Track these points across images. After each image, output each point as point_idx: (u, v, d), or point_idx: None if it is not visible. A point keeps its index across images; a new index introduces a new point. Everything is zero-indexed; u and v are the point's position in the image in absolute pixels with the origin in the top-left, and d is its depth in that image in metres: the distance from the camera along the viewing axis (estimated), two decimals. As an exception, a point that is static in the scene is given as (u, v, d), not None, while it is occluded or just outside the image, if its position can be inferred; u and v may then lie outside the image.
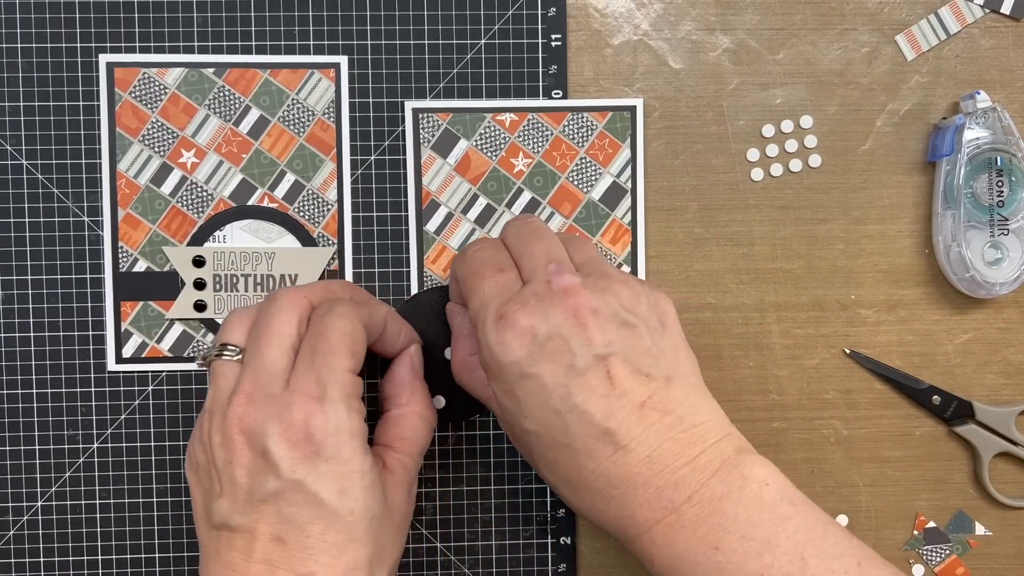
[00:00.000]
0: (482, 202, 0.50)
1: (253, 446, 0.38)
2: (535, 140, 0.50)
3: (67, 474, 0.49)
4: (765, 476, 0.37)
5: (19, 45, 0.49)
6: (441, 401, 0.50)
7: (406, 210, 0.50)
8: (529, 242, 0.41)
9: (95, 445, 0.49)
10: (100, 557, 0.49)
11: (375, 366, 0.50)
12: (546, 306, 0.37)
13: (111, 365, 0.49)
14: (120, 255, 0.49)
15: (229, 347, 0.41)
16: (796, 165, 0.51)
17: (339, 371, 0.39)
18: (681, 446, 0.37)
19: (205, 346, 0.42)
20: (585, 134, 0.50)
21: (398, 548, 0.42)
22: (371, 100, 0.50)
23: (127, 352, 0.49)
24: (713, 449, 0.37)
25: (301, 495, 0.38)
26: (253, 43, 0.49)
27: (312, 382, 0.39)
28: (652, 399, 0.37)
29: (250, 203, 0.50)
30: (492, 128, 0.50)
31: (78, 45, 0.49)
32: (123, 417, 0.49)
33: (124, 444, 0.49)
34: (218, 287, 0.49)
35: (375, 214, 0.50)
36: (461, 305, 0.45)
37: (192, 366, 0.49)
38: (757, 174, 0.51)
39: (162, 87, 0.49)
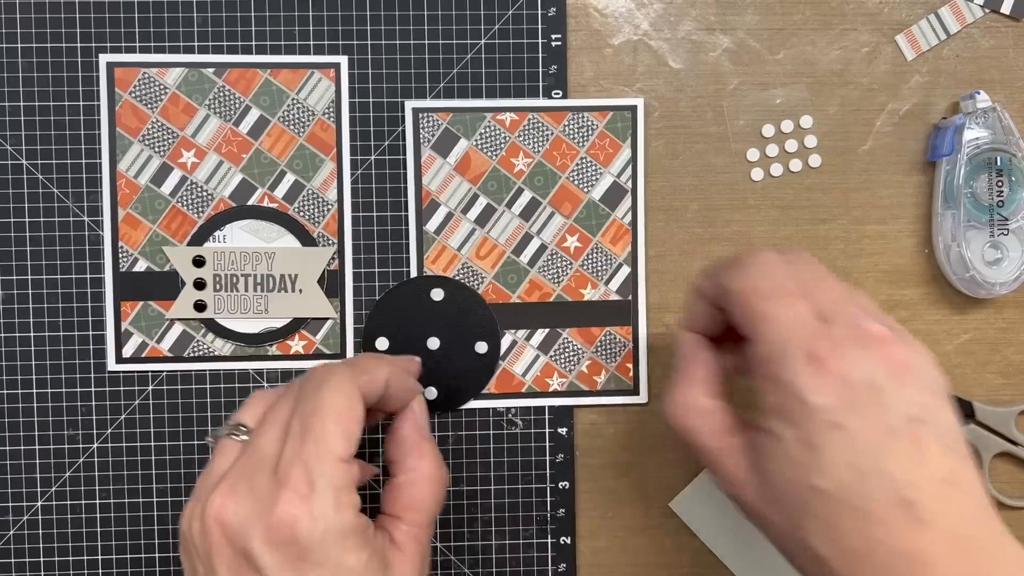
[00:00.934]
0: (482, 202, 0.50)
1: (234, 545, 0.35)
2: (535, 140, 0.50)
3: (67, 474, 0.49)
4: None
5: (19, 45, 0.49)
6: (433, 392, 0.50)
7: (406, 210, 0.50)
8: (822, 278, 0.37)
9: (95, 445, 0.49)
10: (100, 557, 0.49)
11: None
12: (864, 353, 0.34)
13: (111, 365, 0.49)
14: (120, 255, 0.49)
15: (240, 427, 0.39)
16: (796, 165, 0.51)
17: (330, 461, 0.36)
18: (985, 535, 0.33)
19: (217, 429, 0.41)
20: (585, 134, 0.50)
21: None
22: (371, 100, 0.50)
23: (127, 352, 0.49)
24: (1005, 538, 0.33)
25: None
26: (253, 43, 0.49)
27: (300, 476, 0.35)
28: (957, 476, 0.33)
29: (250, 203, 0.50)
30: (492, 128, 0.50)
31: (78, 45, 0.49)
32: (123, 417, 0.49)
33: (124, 444, 0.49)
34: (218, 287, 0.49)
35: (375, 214, 0.50)
36: (700, 335, 0.41)
37: (192, 366, 0.49)
38: (757, 174, 0.51)
39: (162, 87, 0.49)
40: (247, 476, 0.36)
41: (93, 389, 0.49)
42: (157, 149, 0.49)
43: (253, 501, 0.35)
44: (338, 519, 0.35)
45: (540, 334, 0.51)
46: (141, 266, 0.49)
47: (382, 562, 0.38)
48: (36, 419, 0.49)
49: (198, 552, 0.36)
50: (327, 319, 0.50)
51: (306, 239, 0.50)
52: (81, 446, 0.49)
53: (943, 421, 0.34)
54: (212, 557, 0.36)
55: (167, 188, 0.49)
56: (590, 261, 0.50)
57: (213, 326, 0.49)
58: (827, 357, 0.34)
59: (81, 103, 0.49)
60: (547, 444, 0.50)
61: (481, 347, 0.50)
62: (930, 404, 0.34)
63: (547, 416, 0.50)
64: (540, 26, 0.50)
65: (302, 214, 0.50)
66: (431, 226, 0.50)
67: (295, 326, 0.50)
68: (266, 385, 0.50)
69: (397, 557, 0.38)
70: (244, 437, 0.38)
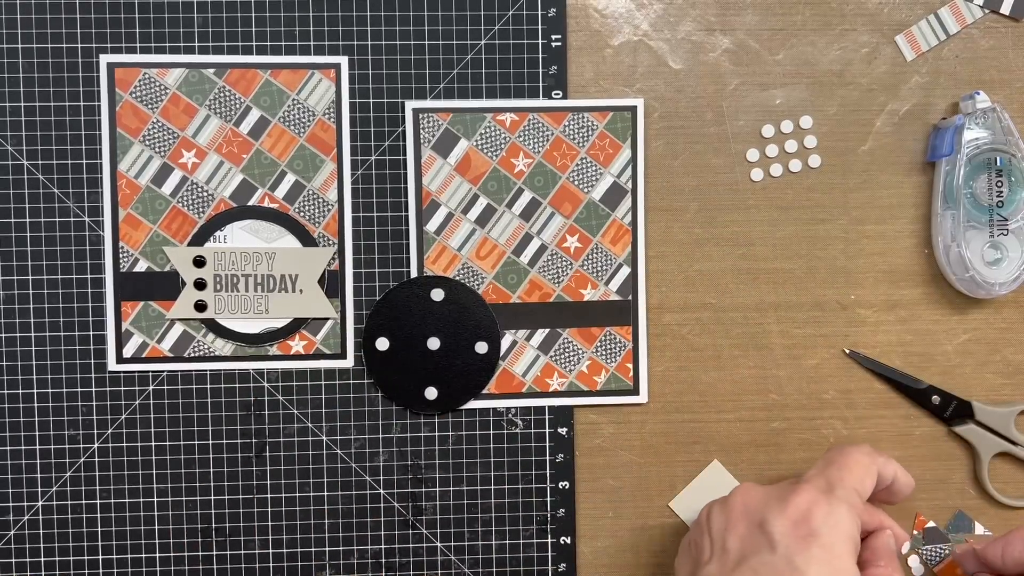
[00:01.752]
0: (482, 202, 0.50)
1: (751, 519, 0.41)
2: (535, 140, 0.50)
3: (67, 474, 0.49)
4: None
5: (20, 45, 0.49)
6: (433, 392, 0.50)
7: (406, 210, 0.50)
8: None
9: (95, 445, 0.49)
10: (100, 557, 0.49)
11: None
12: None
13: (111, 365, 0.49)
14: (121, 255, 0.49)
15: None
16: (796, 165, 0.51)
17: (848, 482, 0.42)
18: None
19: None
20: (585, 134, 0.50)
21: None
22: (371, 100, 0.50)
23: (127, 352, 0.49)
24: None
25: (790, 570, 0.39)
26: (253, 43, 0.49)
27: (821, 481, 0.42)
28: None
29: (250, 203, 0.50)
30: (492, 128, 0.50)
31: (79, 45, 0.49)
32: (123, 417, 0.49)
33: (124, 444, 0.49)
34: (218, 287, 0.49)
35: (375, 214, 0.50)
36: None
37: (193, 366, 0.49)
38: (757, 174, 0.51)
39: (163, 87, 0.49)
40: (769, 490, 0.43)
41: (93, 389, 0.49)
42: (158, 149, 0.49)
43: (776, 492, 0.42)
44: (849, 521, 0.41)
45: (540, 334, 0.51)
46: (142, 266, 0.49)
47: None
48: (36, 419, 0.49)
49: (711, 532, 0.43)
50: (327, 319, 0.50)
51: (306, 239, 0.50)
52: (81, 446, 0.49)
53: None
54: (727, 530, 0.42)
55: (168, 188, 0.49)
56: (590, 261, 0.51)
57: (213, 326, 0.49)
58: None
59: (82, 103, 0.49)
60: (547, 444, 0.50)
61: (481, 347, 0.50)
62: None
63: (547, 416, 0.50)
64: (540, 26, 0.50)
65: (302, 214, 0.50)
66: (431, 226, 0.50)
67: (295, 326, 0.50)
68: (267, 386, 0.50)
69: None
70: None
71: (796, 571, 0.39)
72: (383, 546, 0.50)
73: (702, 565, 0.42)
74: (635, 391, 0.51)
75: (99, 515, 0.49)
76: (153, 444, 0.49)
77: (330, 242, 0.50)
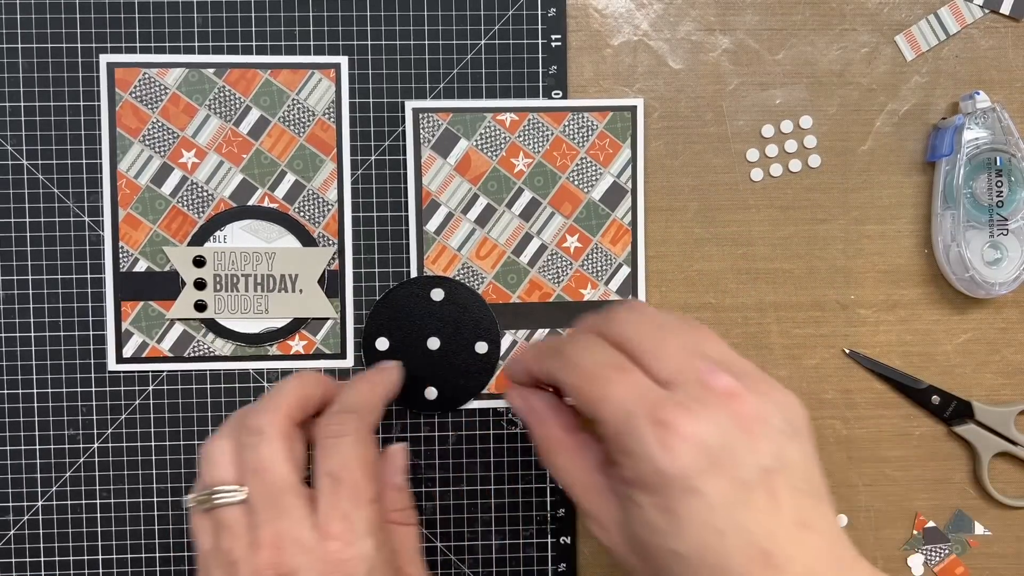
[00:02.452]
0: (482, 202, 0.50)
1: None
2: (535, 140, 0.50)
3: (67, 474, 0.49)
4: None
5: (19, 45, 0.49)
6: (433, 392, 0.50)
7: (406, 210, 0.50)
8: (655, 336, 0.37)
9: (95, 445, 0.49)
10: (100, 557, 0.49)
11: (375, 366, 0.50)
12: (712, 411, 0.34)
13: (111, 365, 0.49)
14: (120, 255, 0.49)
15: (225, 489, 0.39)
16: (796, 165, 0.51)
17: (364, 504, 0.39)
18: (834, 568, 0.34)
19: (195, 494, 0.40)
20: (585, 134, 0.50)
21: None
22: (371, 100, 0.50)
23: (127, 352, 0.49)
24: (856, 565, 0.34)
25: None
26: (253, 43, 0.49)
27: (341, 524, 0.38)
28: (809, 518, 0.34)
29: (250, 203, 0.50)
30: (492, 128, 0.50)
31: (78, 45, 0.49)
32: (123, 417, 0.49)
33: (124, 444, 0.49)
34: (218, 287, 0.49)
35: (375, 214, 0.50)
36: (524, 386, 0.42)
37: (192, 366, 0.49)
38: (757, 174, 0.51)
39: (162, 87, 0.49)
40: (288, 536, 0.38)
41: (93, 389, 0.49)
42: (157, 149, 0.49)
43: (304, 554, 0.37)
44: (379, 556, 0.38)
45: (540, 334, 0.51)
46: (141, 266, 0.49)
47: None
48: (36, 419, 0.49)
49: None
50: (327, 319, 0.50)
51: (306, 239, 0.50)
52: (81, 446, 0.49)
53: (795, 464, 0.34)
54: None
55: (167, 188, 0.49)
56: (590, 261, 0.51)
57: (213, 326, 0.49)
58: (674, 422, 0.33)
59: (81, 103, 0.49)
60: (547, 444, 0.50)
61: (481, 347, 0.50)
62: (782, 450, 0.34)
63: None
64: (540, 26, 0.50)
65: (302, 214, 0.50)
66: (431, 226, 0.50)
67: (295, 326, 0.50)
68: (267, 386, 0.50)
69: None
70: (241, 497, 0.39)
71: None
72: (383, 546, 0.50)
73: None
74: (635, 391, 0.51)
75: (99, 515, 0.49)
76: (153, 444, 0.49)
77: (330, 242, 0.50)
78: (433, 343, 0.50)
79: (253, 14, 0.49)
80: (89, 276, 0.49)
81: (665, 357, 0.36)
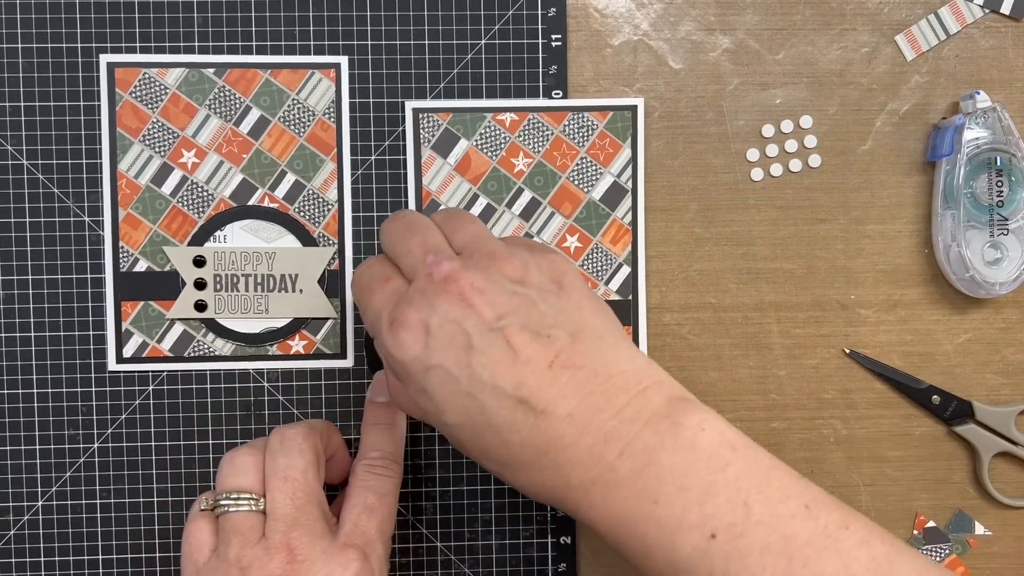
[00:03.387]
0: (482, 202, 0.50)
1: None
2: (535, 140, 0.50)
3: (67, 474, 0.49)
4: (699, 421, 0.35)
5: (19, 45, 0.49)
6: None
7: (406, 210, 0.50)
8: (403, 239, 0.40)
9: (95, 445, 0.49)
10: (100, 557, 0.49)
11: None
12: (431, 298, 0.37)
13: (111, 365, 0.49)
14: (121, 255, 0.49)
15: (243, 496, 0.41)
16: (796, 165, 0.51)
17: (387, 536, 0.43)
18: (602, 399, 0.35)
19: (211, 496, 0.42)
20: (586, 134, 0.50)
21: None
22: (371, 100, 0.50)
23: (127, 352, 0.49)
24: (640, 398, 0.35)
25: None
26: (253, 43, 0.49)
27: (364, 542, 0.41)
28: (560, 358, 0.36)
29: (250, 203, 0.50)
30: (492, 128, 0.50)
31: (78, 45, 0.49)
32: (123, 417, 0.49)
33: (124, 444, 0.49)
34: (219, 287, 0.49)
35: (375, 214, 0.50)
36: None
37: (193, 366, 0.49)
38: (757, 174, 0.51)
39: (163, 87, 0.49)
40: (308, 545, 0.40)
41: (93, 389, 0.49)
42: (157, 149, 0.49)
43: (322, 561, 0.39)
44: (382, 572, 0.42)
45: (540, 334, 0.50)
46: (141, 266, 0.49)
47: None
48: (36, 419, 0.49)
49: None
50: (327, 319, 0.50)
51: (306, 239, 0.50)
52: (81, 446, 0.49)
53: (529, 314, 0.36)
54: None
55: (167, 188, 0.49)
56: (590, 261, 0.51)
57: (214, 326, 0.49)
58: (402, 315, 0.37)
59: (81, 103, 0.49)
60: (547, 444, 0.50)
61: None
62: (508, 309, 0.36)
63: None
64: (540, 26, 0.50)
65: (302, 214, 0.50)
66: (431, 226, 0.50)
67: (295, 326, 0.50)
68: (267, 386, 0.50)
69: None
70: (259, 506, 0.41)
71: None
72: (383, 546, 0.50)
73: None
74: (635, 391, 0.51)
75: (99, 515, 0.49)
76: (153, 444, 0.49)
77: (330, 242, 0.50)
78: None
79: (253, 14, 0.49)
80: (89, 276, 0.49)
81: (405, 257, 0.39)
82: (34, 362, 0.49)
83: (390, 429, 0.47)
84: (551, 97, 0.50)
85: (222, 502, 0.41)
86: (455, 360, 0.36)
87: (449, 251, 0.39)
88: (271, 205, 0.50)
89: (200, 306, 0.49)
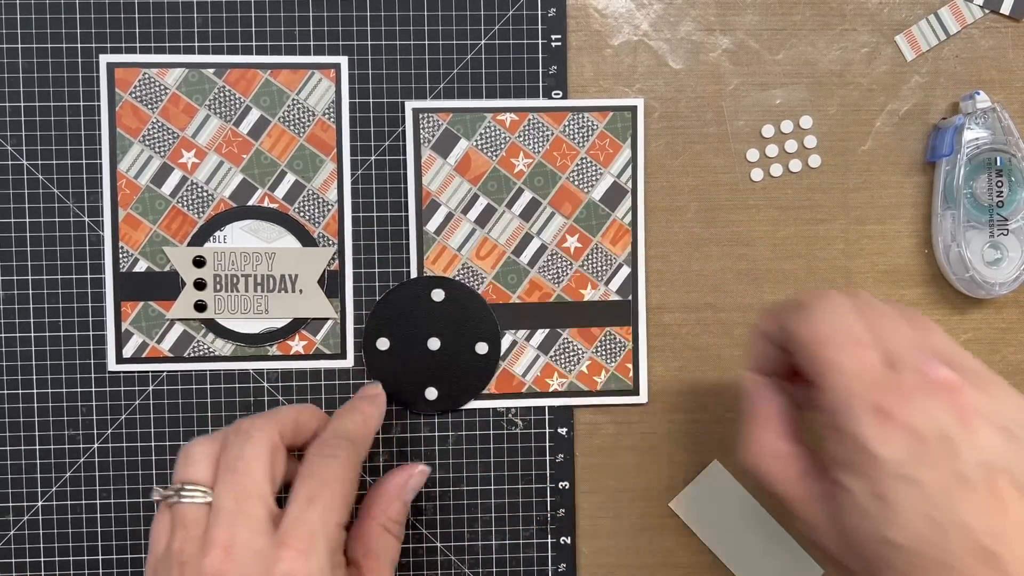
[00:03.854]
0: (482, 202, 0.50)
1: None
2: (535, 140, 0.50)
3: (67, 474, 0.49)
4: None
5: (19, 45, 0.49)
6: (433, 392, 0.50)
7: (406, 210, 0.50)
8: (887, 318, 0.37)
9: (95, 445, 0.49)
10: (100, 557, 0.49)
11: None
12: (932, 402, 0.34)
13: (111, 365, 0.49)
14: (120, 255, 0.49)
15: (193, 488, 0.39)
16: (796, 165, 0.51)
17: (332, 526, 0.38)
18: None
19: (162, 487, 0.40)
20: (586, 134, 0.50)
21: None
22: (371, 100, 0.50)
23: (127, 352, 0.49)
24: None
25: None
26: (253, 43, 0.49)
27: (304, 537, 0.37)
28: None
29: (250, 203, 0.50)
30: (492, 128, 0.50)
31: (78, 45, 0.49)
32: (123, 417, 0.49)
33: (124, 444, 0.49)
34: (218, 287, 0.49)
35: (375, 214, 0.50)
36: (766, 376, 0.41)
37: (192, 366, 0.49)
38: (757, 174, 0.51)
39: (162, 87, 0.49)
40: (243, 541, 0.37)
41: (93, 389, 0.49)
42: (157, 149, 0.49)
43: (255, 563, 0.37)
44: (332, 573, 0.38)
45: (540, 334, 0.51)
46: (141, 266, 0.49)
47: None
48: (36, 419, 0.49)
49: None
50: (327, 319, 0.50)
51: (306, 239, 0.50)
52: (81, 446, 0.49)
53: (1016, 458, 0.33)
54: None
55: (167, 188, 0.49)
56: (590, 261, 0.51)
57: (213, 326, 0.49)
58: (894, 408, 0.34)
59: (81, 103, 0.49)
60: (547, 444, 0.50)
61: (481, 347, 0.50)
62: (1006, 448, 0.33)
63: (547, 416, 0.50)
64: (540, 26, 0.50)
65: (302, 214, 0.50)
66: (431, 226, 0.50)
67: (295, 326, 0.50)
68: (267, 386, 0.50)
69: None
70: (207, 499, 0.39)
71: None
72: (383, 546, 0.50)
73: None
74: (635, 391, 0.51)
75: (99, 515, 0.49)
76: (153, 444, 0.49)
77: (330, 242, 0.50)
78: (433, 343, 0.50)
79: (253, 14, 0.49)
80: (89, 276, 0.49)
81: (895, 342, 0.36)
82: (34, 362, 0.49)
83: (356, 413, 0.44)
84: (551, 97, 0.50)
85: (170, 494, 0.39)
86: (937, 482, 0.33)
87: (945, 357, 0.35)
88: (271, 205, 0.50)
89: (200, 306, 0.49)
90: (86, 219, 0.49)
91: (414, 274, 0.50)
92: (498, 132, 0.50)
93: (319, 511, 0.38)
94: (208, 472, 0.39)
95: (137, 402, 0.49)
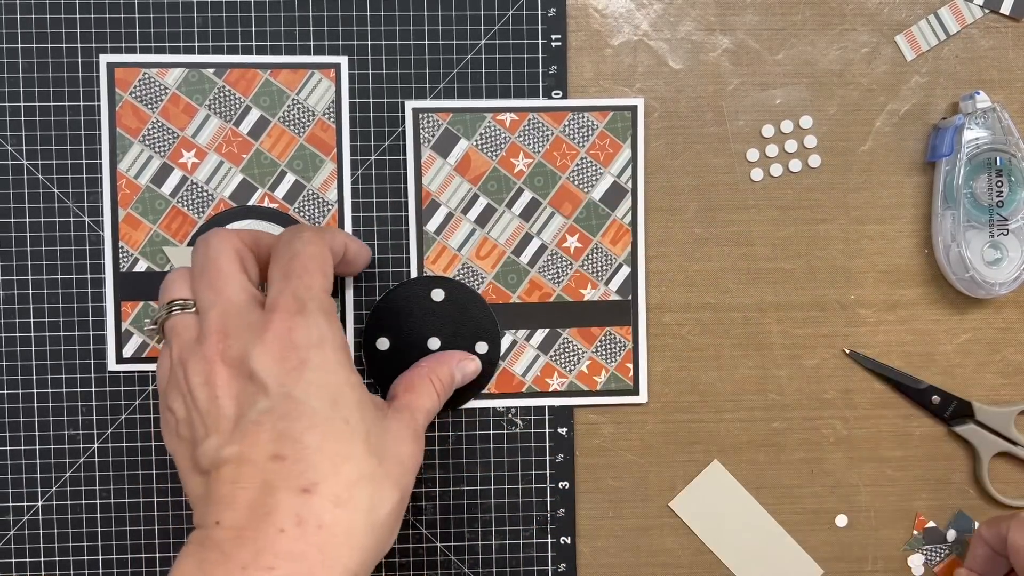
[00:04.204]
0: (482, 202, 0.50)
1: (238, 372, 0.37)
2: (535, 140, 0.50)
3: (67, 474, 0.49)
4: None
5: (19, 45, 0.49)
6: None
7: (406, 210, 0.50)
8: None
9: (95, 445, 0.49)
10: (100, 557, 0.49)
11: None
12: None
13: (111, 365, 0.49)
14: (121, 255, 0.49)
15: (178, 302, 0.40)
16: (796, 165, 0.51)
17: (316, 288, 0.38)
18: None
19: (150, 317, 0.41)
20: (586, 134, 0.50)
21: (401, 488, 0.39)
22: (371, 100, 0.50)
23: (127, 352, 0.49)
24: None
25: (293, 406, 0.36)
26: (253, 43, 0.49)
27: (290, 299, 0.38)
28: None
29: (250, 203, 0.50)
30: (492, 128, 0.50)
31: (78, 45, 0.49)
32: (123, 417, 0.49)
33: (124, 444, 0.49)
34: (218, 287, 0.49)
35: (375, 214, 0.50)
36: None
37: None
38: (757, 174, 0.51)
39: (162, 87, 0.49)
40: (234, 320, 0.38)
41: (93, 389, 0.49)
42: (157, 149, 0.49)
43: (249, 331, 0.37)
44: (332, 332, 0.38)
45: (540, 334, 0.51)
46: (141, 266, 0.49)
47: (378, 406, 0.40)
48: (36, 419, 0.49)
49: (198, 406, 0.37)
50: (327, 319, 0.50)
51: (306, 239, 0.50)
52: (81, 446, 0.49)
53: None
54: (218, 396, 0.37)
55: (167, 188, 0.49)
56: (590, 261, 0.51)
57: (213, 326, 0.49)
58: None
59: (81, 103, 0.49)
60: (547, 444, 0.50)
61: (481, 347, 0.50)
62: None
63: (547, 416, 0.50)
64: (540, 26, 0.50)
65: (302, 214, 0.50)
66: (431, 226, 0.50)
67: (295, 326, 0.50)
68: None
69: (393, 416, 0.41)
70: (192, 309, 0.40)
71: (297, 404, 0.36)
72: (383, 546, 0.50)
73: (200, 441, 0.37)
74: (635, 391, 0.51)
75: (99, 515, 0.49)
76: (153, 444, 0.49)
77: (330, 242, 0.50)
78: (433, 343, 0.50)
79: (253, 14, 0.49)
80: (89, 276, 0.49)
81: None
82: (34, 362, 0.49)
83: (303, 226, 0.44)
84: (551, 97, 0.50)
85: (160, 315, 0.40)
86: None
87: None
88: (271, 205, 0.50)
89: (200, 306, 0.49)
90: (86, 219, 0.49)
91: (414, 274, 0.50)
92: (498, 132, 0.50)
93: (297, 279, 0.38)
94: (186, 289, 0.40)
95: (137, 402, 0.49)
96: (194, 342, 0.38)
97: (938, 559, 0.52)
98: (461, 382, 0.48)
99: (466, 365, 0.48)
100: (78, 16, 0.49)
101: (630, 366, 0.51)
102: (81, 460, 0.49)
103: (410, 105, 0.50)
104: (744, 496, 0.51)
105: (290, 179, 0.50)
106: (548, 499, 0.51)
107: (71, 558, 0.49)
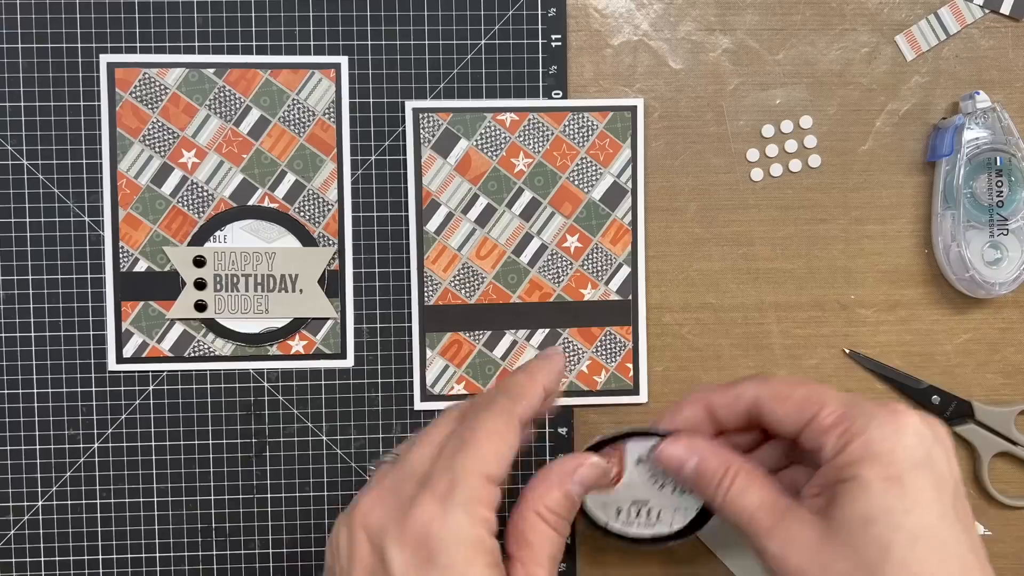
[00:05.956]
0: (482, 202, 0.50)
1: (374, 547, 0.37)
2: (535, 140, 0.50)
3: (67, 474, 0.49)
4: None
5: (19, 45, 0.49)
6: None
7: (406, 210, 0.50)
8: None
9: (95, 445, 0.49)
10: (100, 557, 0.49)
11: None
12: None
13: (111, 365, 0.49)
14: (121, 255, 0.49)
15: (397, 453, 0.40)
16: (796, 165, 0.51)
17: (475, 474, 0.37)
18: None
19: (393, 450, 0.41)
20: (586, 134, 0.50)
21: None
22: (371, 100, 0.50)
23: (127, 352, 0.49)
24: None
25: None
26: (253, 43, 0.49)
27: (444, 481, 0.37)
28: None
29: (250, 203, 0.50)
30: (492, 128, 0.50)
31: (78, 45, 0.49)
32: (123, 417, 0.49)
33: (124, 444, 0.49)
34: (219, 287, 0.49)
35: (375, 214, 0.50)
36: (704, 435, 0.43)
37: (193, 366, 0.49)
38: (757, 174, 0.51)
39: (163, 87, 0.49)
40: (396, 486, 0.38)
41: (93, 389, 0.49)
42: (157, 149, 0.49)
43: (397, 505, 0.37)
44: (471, 530, 0.36)
45: (540, 334, 0.51)
46: (141, 266, 0.49)
47: None
48: (36, 419, 0.49)
49: (340, 559, 0.38)
50: (327, 319, 0.50)
51: (306, 239, 0.50)
52: (81, 446, 0.49)
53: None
54: (354, 565, 0.37)
55: (167, 188, 0.49)
56: (590, 261, 0.51)
57: (213, 326, 0.49)
58: (902, 411, 0.38)
59: (81, 103, 0.49)
60: (547, 444, 0.50)
61: (481, 347, 0.50)
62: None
63: (547, 416, 0.50)
64: (540, 26, 0.50)
65: (302, 214, 0.50)
66: (431, 226, 0.50)
67: (295, 326, 0.50)
68: (267, 386, 0.50)
69: None
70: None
71: None
72: (383, 546, 0.50)
73: None
74: (635, 391, 0.51)
75: (99, 515, 0.49)
76: (153, 444, 0.49)
77: (330, 242, 0.50)
78: None
79: (253, 14, 0.49)
80: (89, 276, 0.49)
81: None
82: (34, 362, 0.49)
83: (525, 369, 0.43)
84: (551, 97, 0.50)
85: (394, 453, 0.41)
86: (937, 481, 0.37)
87: None
88: (271, 205, 0.50)
89: (200, 306, 0.49)
90: (86, 219, 0.49)
91: (414, 274, 0.50)
92: (498, 132, 0.50)
93: (463, 457, 0.37)
94: (432, 454, 0.40)
95: (137, 402, 0.49)
96: (365, 494, 0.39)
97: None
98: (583, 488, 0.42)
99: (584, 473, 0.41)
100: (78, 16, 0.49)
101: (630, 366, 0.51)
102: (81, 460, 0.49)
103: (410, 105, 0.50)
104: (744, 496, 0.51)
105: (290, 179, 0.50)
106: (548, 499, 0.50)
107: (71, 558, 0.49)
